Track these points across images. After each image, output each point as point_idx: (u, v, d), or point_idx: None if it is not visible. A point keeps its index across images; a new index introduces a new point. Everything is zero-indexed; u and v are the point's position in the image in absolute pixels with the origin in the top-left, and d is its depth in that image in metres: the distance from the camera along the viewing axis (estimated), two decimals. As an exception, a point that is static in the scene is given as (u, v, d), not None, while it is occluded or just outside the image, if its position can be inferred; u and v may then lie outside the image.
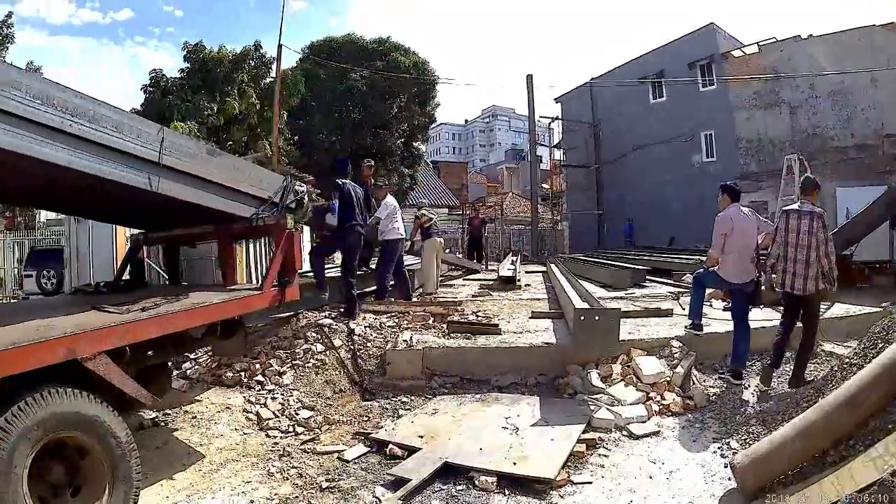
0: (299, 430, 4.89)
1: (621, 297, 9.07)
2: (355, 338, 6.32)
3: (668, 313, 7.25)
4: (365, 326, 6.63)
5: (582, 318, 5.46)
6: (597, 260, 15.65)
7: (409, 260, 11.60)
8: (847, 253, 10.10)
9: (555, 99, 32.72)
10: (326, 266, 9.77)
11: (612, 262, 13.92)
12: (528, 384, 5.57)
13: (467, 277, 13.49)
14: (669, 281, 11.24)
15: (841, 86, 20.59)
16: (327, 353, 6.10)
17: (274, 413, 5.15)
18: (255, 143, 20.09)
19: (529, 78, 25.29)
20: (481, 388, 5.55)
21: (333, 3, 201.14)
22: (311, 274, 7.29)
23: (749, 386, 5.37)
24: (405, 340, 6.02)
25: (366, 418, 5.08)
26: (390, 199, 8.53)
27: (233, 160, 4.98)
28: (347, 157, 24.54)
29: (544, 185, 36.31)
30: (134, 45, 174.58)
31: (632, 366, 5.41)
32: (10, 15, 18.88)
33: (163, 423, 5.04)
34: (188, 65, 21.15)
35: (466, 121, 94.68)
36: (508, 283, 10.90)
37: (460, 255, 18.87)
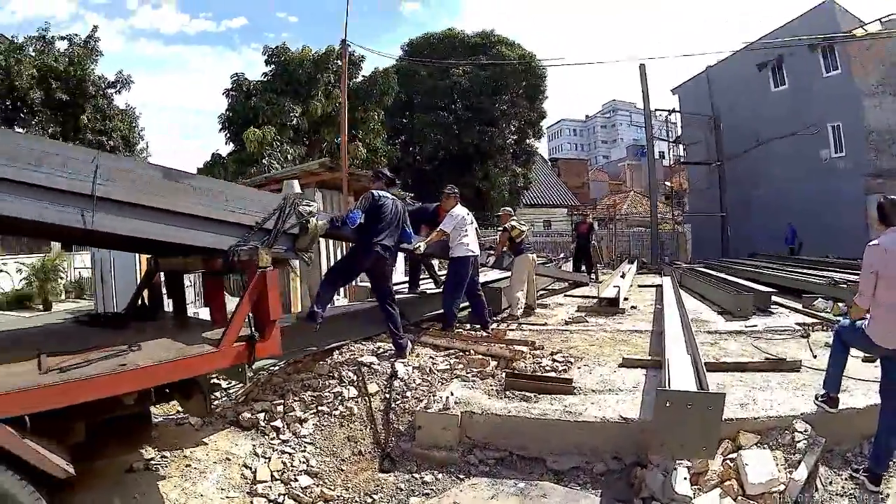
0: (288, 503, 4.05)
1: (738, 332, 7.35)
2: (396, 383, 5.32)
3: (795, 367, 5.51)
4: (413, 368, 5.59)
5: (667, 403, 3.91)
6: (716, 275, 13.55)
7: (495, 274, 10.55)
8: None
9: (671, 90, 30.05)
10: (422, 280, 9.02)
11: (732, 279, 11.94)
12: (593, 472, 4.21)
13: (569, 294, 12.08)
14: (798, 305, 9.21)
15: None
16: (359, 400, 5.19)
17: (273, 474, 4.36)
18: (349, 144, 19.57)
19: (642, 67, 22.87)
20: (533, 469, 4.29)
21: (447, 3, 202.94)
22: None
23: (888, 496, 3.83)
24: (444, 397, 4.82)
25: (371, 499, 4.09)
26: (458, 210, 7.41)
27: (207, 182, 4.12)
28: (450, 157, 24.55)
29: (667, 184, 33.73)
30: (250, 50, 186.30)
31: (736, 462, 3.92)
32: (95, 28, 19.80)
33: (154, 468, 4.40)
34: (272, 67, 21.02)
35: (587, 116, 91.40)
36: (611, 304, 9.35)
37: (563, 262, 17.45)
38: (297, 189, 8.41)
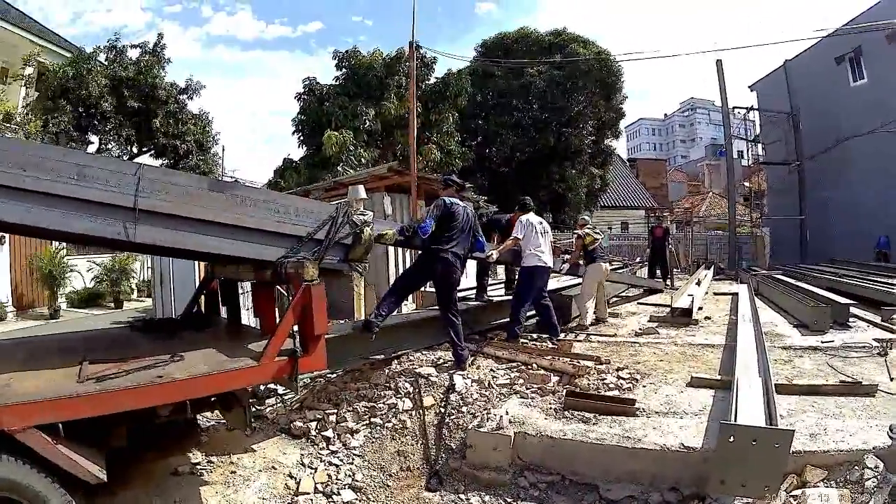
0: (329, 519, 3.95)
1: (814, 348, 6.79)
2: (452, 397, 5.14)
3: (870, 391, 4.99)
4: (472, 381, 5.38)
5: (731, 438, 3.57)
6: (793, 282, 12.66)
7: (566, 281, 10.24)
8: None
9: (749, 86, 28.35)
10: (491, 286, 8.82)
11: (809, 287, 11.16)
12: (648, 502, 3.87)
13: (642, 301, 11.59)
14: (877, 319, 8.45)
15: None
16: (413, 413, 5.04)
17: (316, 486, 4.28)
18: (422, 148, 19.51)
19: (719, 63, 21.63)
20: (584, 496, 3.99)
21: (522, 2, 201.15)
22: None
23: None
24: (498, 415, 4.58)
25: (412, 518, 3.93)
26: (530, 217, 7.33)
27: (255, 193, 4.09)
28: (526, 159, 24.15)
29: (746, 185, 32.04)
30: (327, 54, 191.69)
31: (799, 501, 3.55)
32: (161, 37, 20.34)
33: (199, 473, 4.43)
34: (343, 71, 21.12)
35: (665, 115, 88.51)
36: (684, 314, 8.84)
37: (638, 268, 16.83)
38: (362, 193, 8.33)
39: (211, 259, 4.65)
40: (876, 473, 3.70)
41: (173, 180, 3.48)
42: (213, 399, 3.97)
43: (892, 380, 5.32)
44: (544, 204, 24.27)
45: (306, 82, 21.55)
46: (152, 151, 20.86)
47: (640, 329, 8.22)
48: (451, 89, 20.93)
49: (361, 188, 8.48)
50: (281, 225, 3.81)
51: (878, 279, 12.14)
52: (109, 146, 19.25)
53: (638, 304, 11.31)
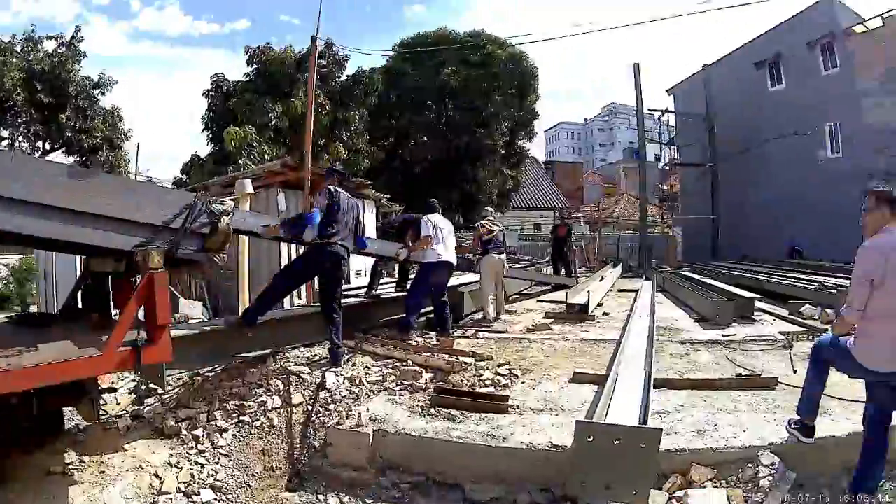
0: (184, 520, 3.90)
1: (714, 342, 6.98)
2: (322, 394, 5.16)
3: (770, 384, 4.99)
4: (343, 378, 5.42)
5: (589, 438, 3.34)
6: (699, 279, 13.33)
7: (467, 278, 10.40)
8: None
9: (667, 90, 29.75)
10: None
11: (716, 283, 11.71)
12: (517, 503, 3.86)
13: (542, 299, 11.77)
14: (784, 313, 8.81)
15: None
16: (281, 410, 5.03)
17: (179, 485, 4.23)
18: (329, 146, 19.37)
19: (636, 67, 22.90)
20: (448, 497, 4.02)
21: (450, 4, 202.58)
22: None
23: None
24: (359, 413, 4.63)
25: (269, 520, 3.94)
26: (434, 217, 7.48)
27: (111, 180, 4.03)
28: (439, 159, 24.24)
29: (662, 186, 33.47)
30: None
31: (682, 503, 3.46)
32: (78, 29, 19.93)
33: (71, 473, 4.24)
34: (254, 67, 20.79)
35: (585, 119, 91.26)
36: (582, 311, 9.04)
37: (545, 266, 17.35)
38: (249, 188, 8.29)
39: (83, 250, 4.50)
40: (772, 471, 3.57)
41: (29, 166, 3.43)
42: (61, 392, 3.84)
43: (794, 372, 5.28)
44: (456, 205, 24.48)
45: (214, 79, 21.05)
46: (63, 148, 20.14)
47: (532, 325, 8.30)
48: (362, 88, 20.80)
49: (248, 182, 8.43)
50: (137, 213, 3.75)
51: (789, 275, 12.74)
52: (19, 141, 18.56)
53: (538, 300, 11.50)
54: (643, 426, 3.55)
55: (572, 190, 44.48)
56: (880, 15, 19.78)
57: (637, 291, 11.52)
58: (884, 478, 3.42)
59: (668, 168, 29.25)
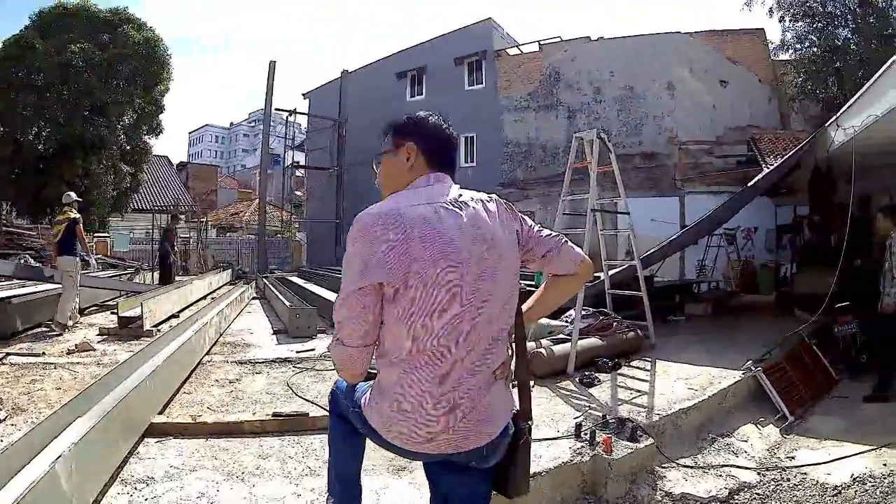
0: None
1: (284, 360, 6.21)
2: None
3: (319, 425, 3.82)
4: None
5: None
6: (301, 283, 13.55)
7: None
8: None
9: (303, 94, 30.16)
10: None
11: (315, 289, 11.73)
12: None
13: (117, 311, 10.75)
14: None
15: (630, 92, 19.90)
16: None
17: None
18: None
19: (272, 64, 22.45)
20: None
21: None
22: None
23: None
24: None
25: None
26: None
27: None
28: (54, 149, 21.05)
29: (297, 193, 34.45)
30: None
31: None
32: None
33: None
34: None
35: (231, 123, 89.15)
36: (135, 324, 7.95)
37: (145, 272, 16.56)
38: None
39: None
40: None
41: None
42: None
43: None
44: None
45: None
46: None
47: (76, 346, 6.86)
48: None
49: None
50: None
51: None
52: None
53: (112, 312, 9.84)
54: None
55: (206, 193, 42.97)
56: (538, 41, 22.74)
57: (221, 299, 10.47)
58: None
59: (292, 170, 29.51)
